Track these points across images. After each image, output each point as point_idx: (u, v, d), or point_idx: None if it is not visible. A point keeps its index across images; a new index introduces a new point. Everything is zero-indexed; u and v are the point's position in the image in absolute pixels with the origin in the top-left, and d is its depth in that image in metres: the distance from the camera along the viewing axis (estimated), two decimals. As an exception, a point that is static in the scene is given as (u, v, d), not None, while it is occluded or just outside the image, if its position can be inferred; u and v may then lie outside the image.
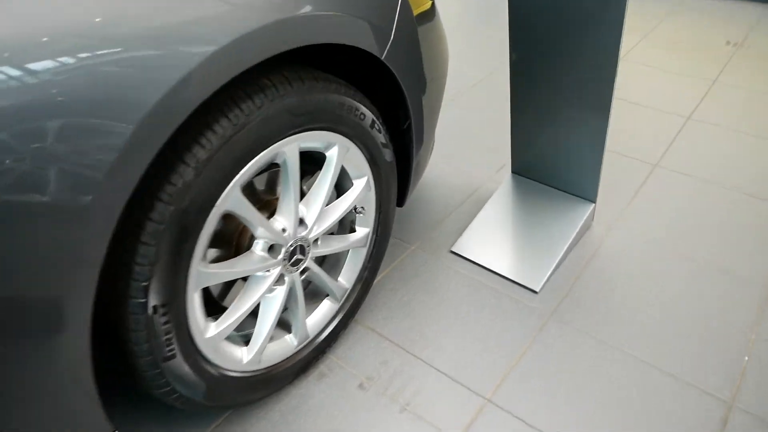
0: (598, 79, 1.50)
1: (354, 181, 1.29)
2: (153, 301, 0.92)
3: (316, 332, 1.36)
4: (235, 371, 1.17)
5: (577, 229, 1.70)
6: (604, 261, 1.69)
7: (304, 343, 1.33)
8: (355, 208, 1.35)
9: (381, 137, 1.27)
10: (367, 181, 1.30)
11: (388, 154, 1.32)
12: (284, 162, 1.07)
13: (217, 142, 0.92)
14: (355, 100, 1.15)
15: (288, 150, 1.06)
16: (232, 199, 0.99)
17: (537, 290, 1.57)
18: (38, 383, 0.79)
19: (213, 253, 1.15)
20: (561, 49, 1.52)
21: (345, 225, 1.40)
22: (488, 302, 1.56)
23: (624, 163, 2.11)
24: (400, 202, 1.56)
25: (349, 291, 1.42)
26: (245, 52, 0.87)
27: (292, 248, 1.16)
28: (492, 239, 1.72)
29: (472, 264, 1.68)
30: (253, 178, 1.16)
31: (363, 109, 1.18)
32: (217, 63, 0.83)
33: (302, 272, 1.24)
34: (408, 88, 1.27)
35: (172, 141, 0.89)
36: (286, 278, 1.20)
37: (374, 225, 1.40)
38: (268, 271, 1.15)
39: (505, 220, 1.77)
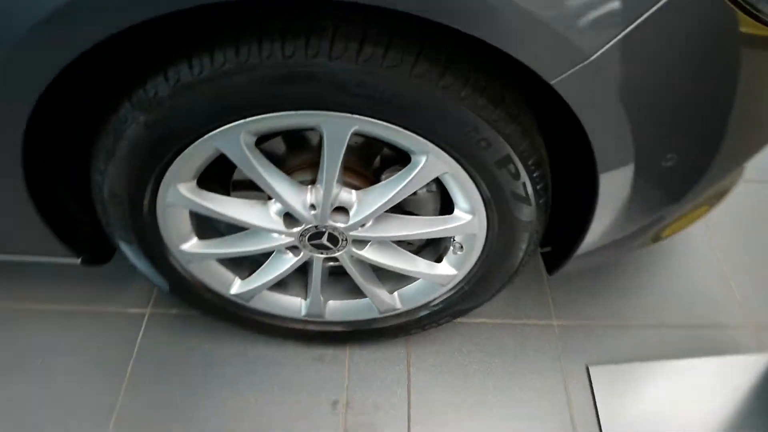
0: None
1: (456, 211, 0.89)
2: (110, 185, 0.82)
3: (335, 319, 1.13)
4: (216, 291, 1.06)
5: None
6: None
7: (315, 319, 1.13)
8: (452, 238, 0.97)
9: (516, 186, 0.80)
10: (474, 221, 0.88)
11: (523, 211, 0.85)
12: (321, 134, 0.76)
13: (208, 69, 0.67)
14: (479, 114, 0.71)
15: (327, 126, 0.74)
16: (227, 143, 0.76)
17: None
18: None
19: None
20: None
21: (438, 245, 1.03)
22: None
23: None
24: (551, 268, 1.07)
25: (400, 312, 1.10)
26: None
27: (316, 231, 0.90)
28: (651, 404, 1.10)
29: (591, 403, 1.12)
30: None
31: (491, 135, 0.73)
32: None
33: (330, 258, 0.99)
34: (612, 149, 0.74)
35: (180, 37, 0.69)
36: (302, 253, 0.97)
37: (467, 275, 0.99)
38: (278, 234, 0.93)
39: (699, 403, 1.09)
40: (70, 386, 1.14)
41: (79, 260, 1.00)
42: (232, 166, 0.90)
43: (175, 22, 0.65)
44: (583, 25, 0.60)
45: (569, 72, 0.64)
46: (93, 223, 0.99)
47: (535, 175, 0.81)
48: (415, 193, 0.96)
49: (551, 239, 1.05)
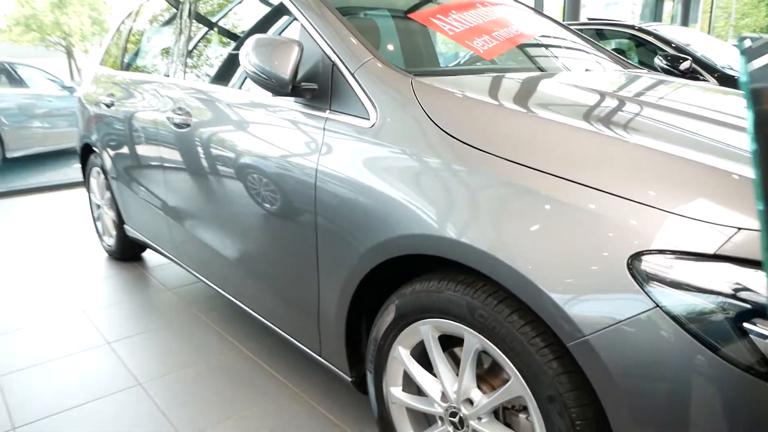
0: None
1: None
2: (376, 332, 1.60)
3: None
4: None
5: None
6: None
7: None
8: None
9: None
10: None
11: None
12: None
13: (429, 286, 1.41)
14: (555, 378, 1.17)
15: (465, 336, 1.34)
16: (425, 330, 1.45)
17: None
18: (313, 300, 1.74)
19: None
20: None
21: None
22: None
23: None
24: None
25: None
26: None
27: (454, 410, 1.42)
28: None
29: None
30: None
31: (554, 391, 1.18)
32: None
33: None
34: None
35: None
36: (444, 425, 1.46)
37: None
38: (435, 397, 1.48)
39: None
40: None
41: (350, 378, 1.77)
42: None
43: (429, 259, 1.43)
44: (579, 310, 1.08)
45: (572, 343, 1.09)
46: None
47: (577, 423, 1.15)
48: (516, 415, 1.38)
49: None
